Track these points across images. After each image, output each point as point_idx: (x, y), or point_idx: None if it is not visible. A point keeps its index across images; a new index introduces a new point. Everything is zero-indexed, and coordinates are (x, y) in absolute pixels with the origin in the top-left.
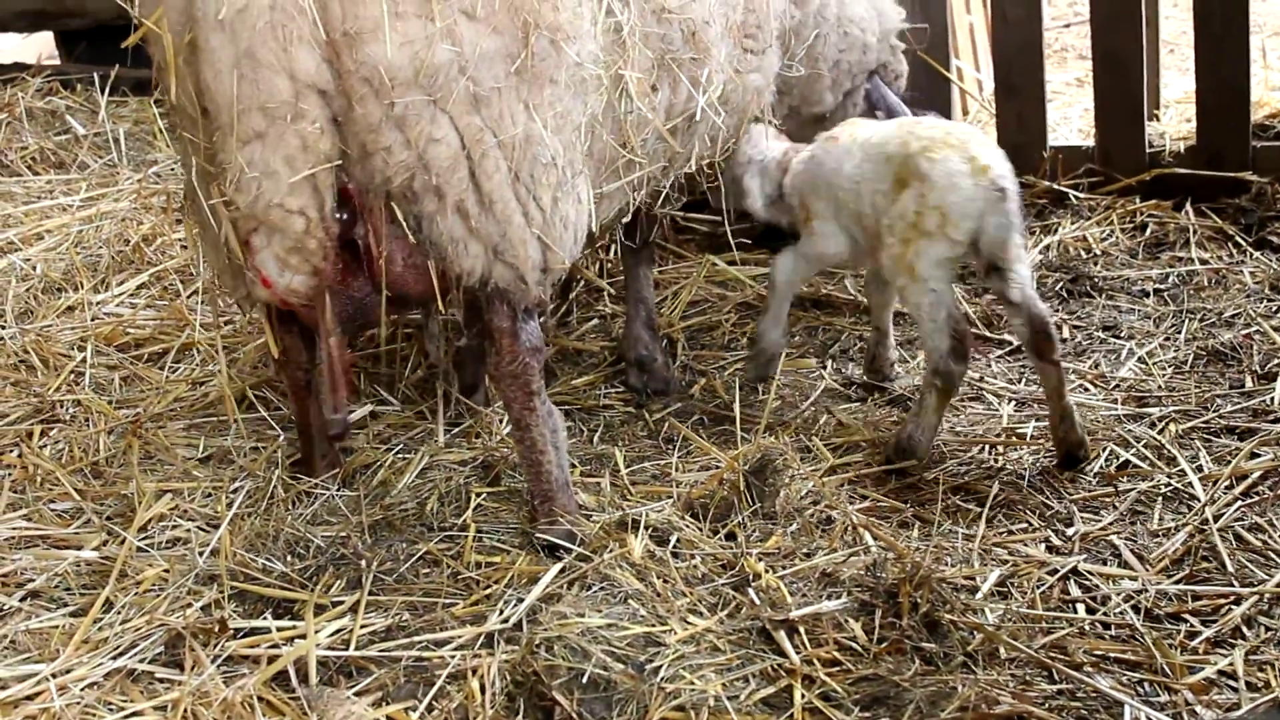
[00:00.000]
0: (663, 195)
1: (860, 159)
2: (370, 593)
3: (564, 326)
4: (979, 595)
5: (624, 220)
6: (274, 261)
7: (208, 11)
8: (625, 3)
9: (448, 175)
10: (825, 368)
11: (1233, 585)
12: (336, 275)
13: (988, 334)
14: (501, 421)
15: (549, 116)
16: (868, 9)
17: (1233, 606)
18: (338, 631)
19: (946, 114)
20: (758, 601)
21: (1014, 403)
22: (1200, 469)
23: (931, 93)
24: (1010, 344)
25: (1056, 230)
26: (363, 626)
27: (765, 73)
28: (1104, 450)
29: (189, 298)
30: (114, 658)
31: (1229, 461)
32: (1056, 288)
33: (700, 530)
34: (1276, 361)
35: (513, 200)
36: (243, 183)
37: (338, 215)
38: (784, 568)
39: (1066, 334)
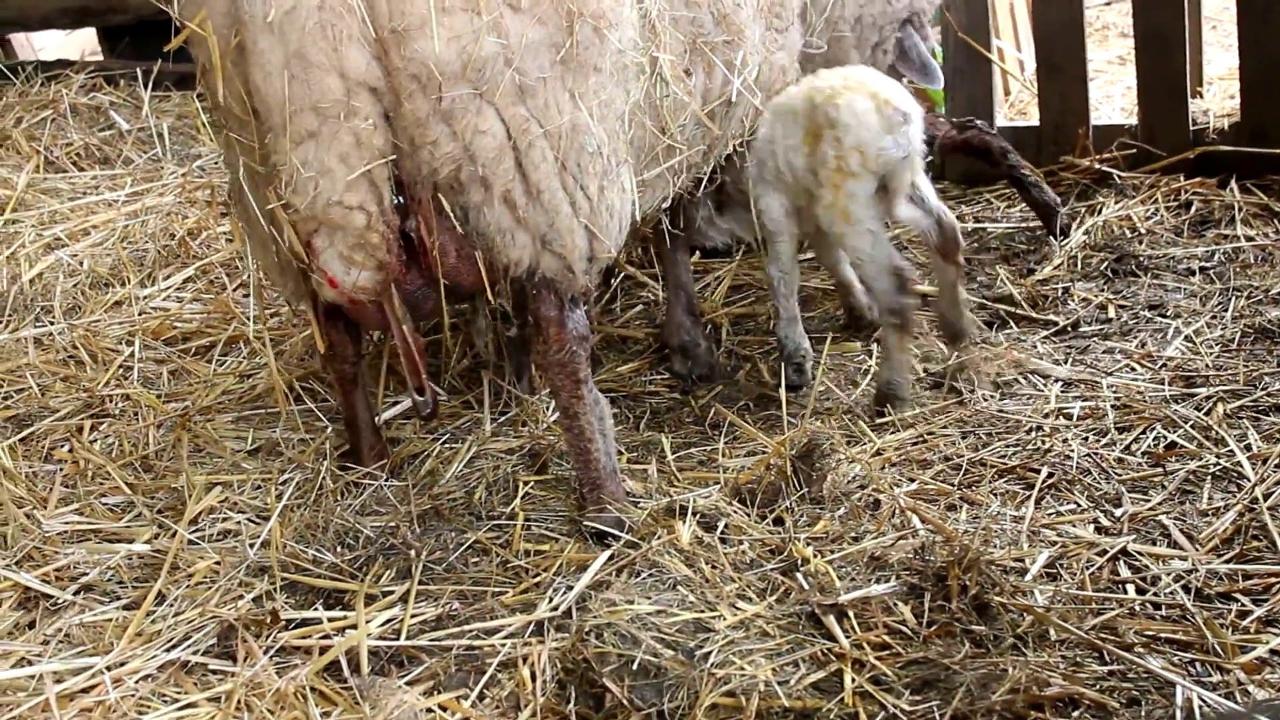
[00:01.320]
0: (704, 180)
1: (771, 122)
2: (420, 582)
3: (608, 314)
4: (1028, 577)
5: (665, 207)
6: (339, 260)
7: (255, 14)
8: None
9: (494, 166)
10: (871, 351)
11: None
12: (400, 268)
13: (1033, 314)
14: (548, 409)
15: (594, 105)
16: None
17: None
18: (388, 621)
19: (988, 95)
20: (806, 586)
21: (1060, 384)
22: (1249, 448)
23: (972, 73)
24: (1056, 324)
25: (1101, 210)
26: (413, 616)
27: (790, 50)
28: (1152, 430)
29: (235, 291)
30: (167, 650)
31: (1278, 440)
32: (1102, 267)
33: (748, 516)
34: None
35: (560, 190)
36: (299, 183)
37: (396, 206)
38: (832, 552)
39: (1112, 314)
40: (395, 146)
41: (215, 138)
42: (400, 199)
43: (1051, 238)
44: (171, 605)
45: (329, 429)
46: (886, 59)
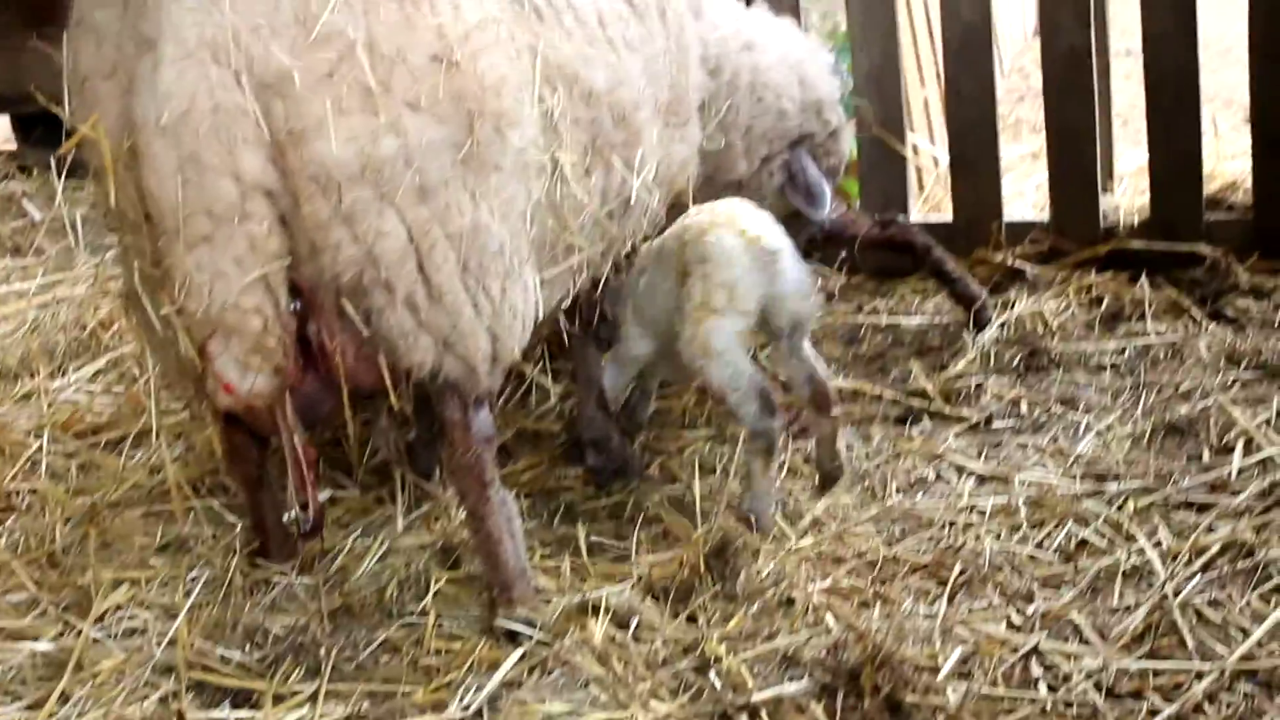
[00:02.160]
0: (603, 279)
1: (643, 266)
2: (330, 681)
3: (522, 407)
4: (941, 675)
5: (565, 306)
6: (235, 365)
7: (148, 117)
8: (554, 88)
9: (397, 269)
10: (785, 446)
11: (1193, 661)
12: (296, 372)
13: (946, 410)
14: (459, 506)
15: (495, 204)
16: (788, 76)
17: (1194, 683)
18: None
19: (902, 189)
20: (719, 685)
21: (973, 478)
22: (1159, 544)
23: (886, 168)
24: (969, 419)
25: (1013, 305)
26: (322, 716)
27: (689, 143)
28: (1063, 527)
29: (146, 383)
30: None
31: (1188, 536)
32: (1014, 362)
33: (662, 613)
34: (1233, 434)
35: (462, 291)
36: (193, 287)
37: (292, 309)
38: (746, 649)
39: (1025, 409)
40: (292, 250)
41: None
42: (297, 303)
43: (968, 331)
44: (75, 705)
45: (239, 526)
46: (774, 180)
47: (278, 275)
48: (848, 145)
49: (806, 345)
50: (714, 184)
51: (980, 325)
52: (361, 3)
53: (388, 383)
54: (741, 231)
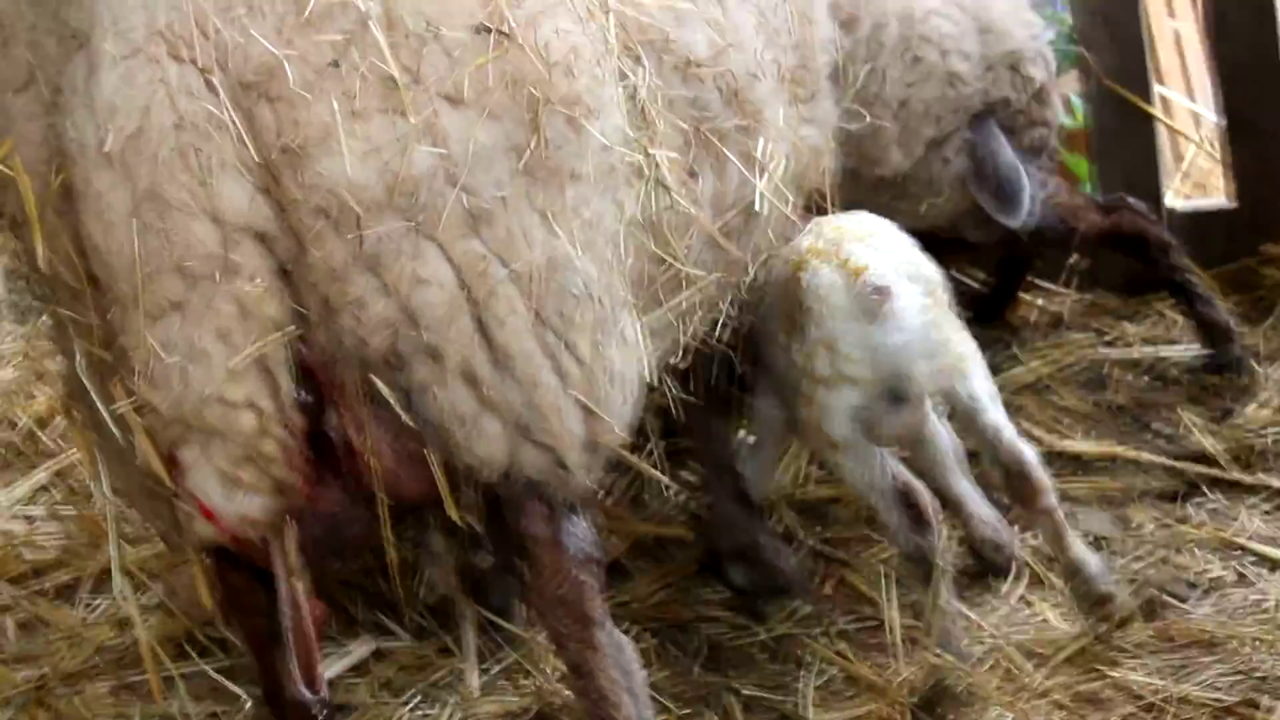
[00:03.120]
0: (720, 321)
1: (760, 296)
2: None
3: (637, 506)
4: None
5: (675, 362)
6: (217, 481)
7: (85, 142)
8: (636, 59)
9: (444, 328)
10: (1018, 532)
11: None
12: (307, 488)
13: (1239, 476)
14: (556, 655)
15: (575, 227)
16: (961, 21)
17: None
18: None
19: (1150, 164)
20: None
21: None
22: None
23: (1127, 135)
24: (1273, 487)
25: None
26: None
27: (821, 124)
28: None
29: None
30: None
31: None
32: None
33: None
34: None
35: (538, 353)
36: (158, 374)
37: (300, 399)
38: None
39: None
40: (297, 313)
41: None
42: (304, 389)
43: (1233, 371)
44: None
45: (247, 702)
46: (949, 169)
47: (278, 352)
48: (1059, 110)
49: (989, 414)
50: (861, 180)
51: (1226, 365)
52: None
53: (442, 489)
54: (843, 263)
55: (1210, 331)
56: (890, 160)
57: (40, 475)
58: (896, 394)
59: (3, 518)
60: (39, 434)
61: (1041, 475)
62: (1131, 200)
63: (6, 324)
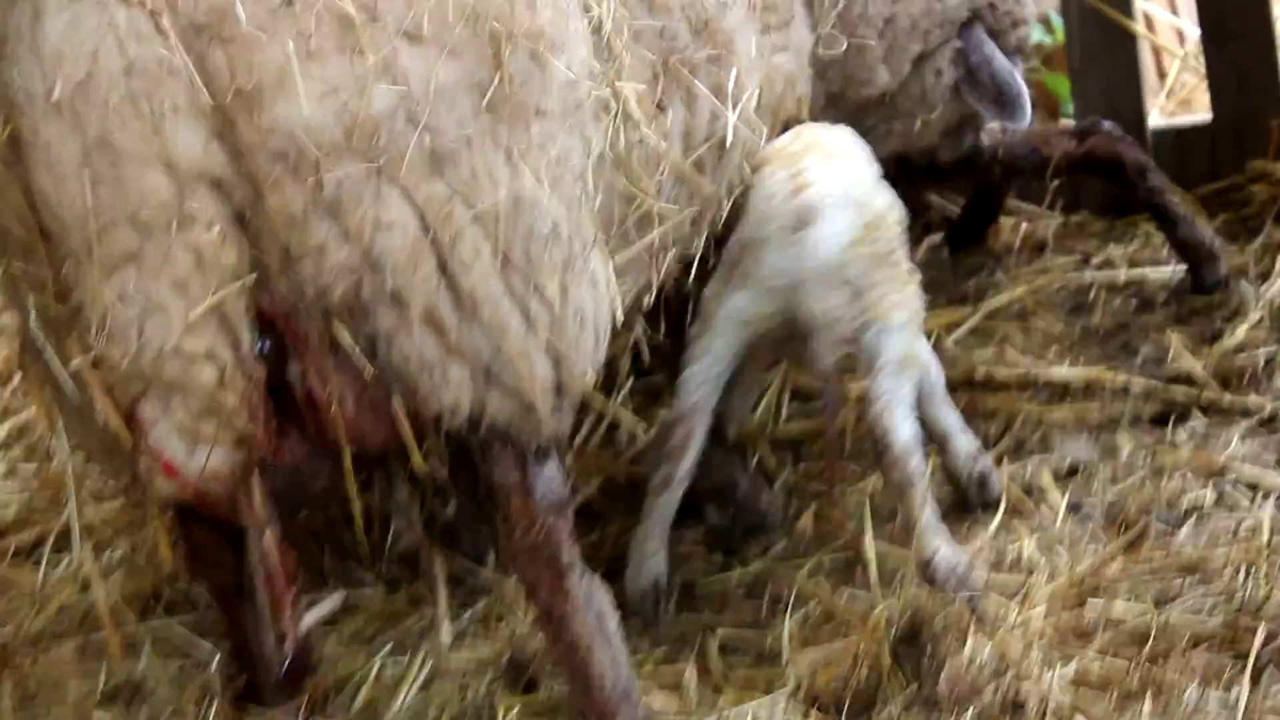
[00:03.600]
0: (696, 261)
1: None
2: None
3: (609, 445)
4: None
5: (645, 305)
6: (178, 436)
7: (32, 90)
8: None
9: (407, 274)
10: (998, 461)
11: None
12: (270, 440)
13: (1225, 398)
14: (529, 602)
15: (542, 166)
16: None
17: None
18: None
19: (1133, 81)
20: None
21: (1274, 499)
22: None
23: (1108, 52)
24: (1260, 411)
25: None
26: None
27: (796, 51)
28: None
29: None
30: None
31: None
32: None
33: None
34: None
35: (504, 297)
36: (116, 328)
37: (261, 350)
38: None
39: None
40: (257, 262)
41: None
42: (265, 340)
43: (1246, 281)
44: None
45: (215, 658)
46: (941, 81)
47: (237, 302)
48: (1034, 9)
49: (878, 379)
50: (848, 102)
51: (1205, 285)
52: None
53: (407, 438)
54: (795, 173)
55: (1193, 253)
56: (878, 80)
57: (0, 432)
58: (790, 315)
59: None
60: None
61: (897, 457)
62: (1106, 123)
63: None
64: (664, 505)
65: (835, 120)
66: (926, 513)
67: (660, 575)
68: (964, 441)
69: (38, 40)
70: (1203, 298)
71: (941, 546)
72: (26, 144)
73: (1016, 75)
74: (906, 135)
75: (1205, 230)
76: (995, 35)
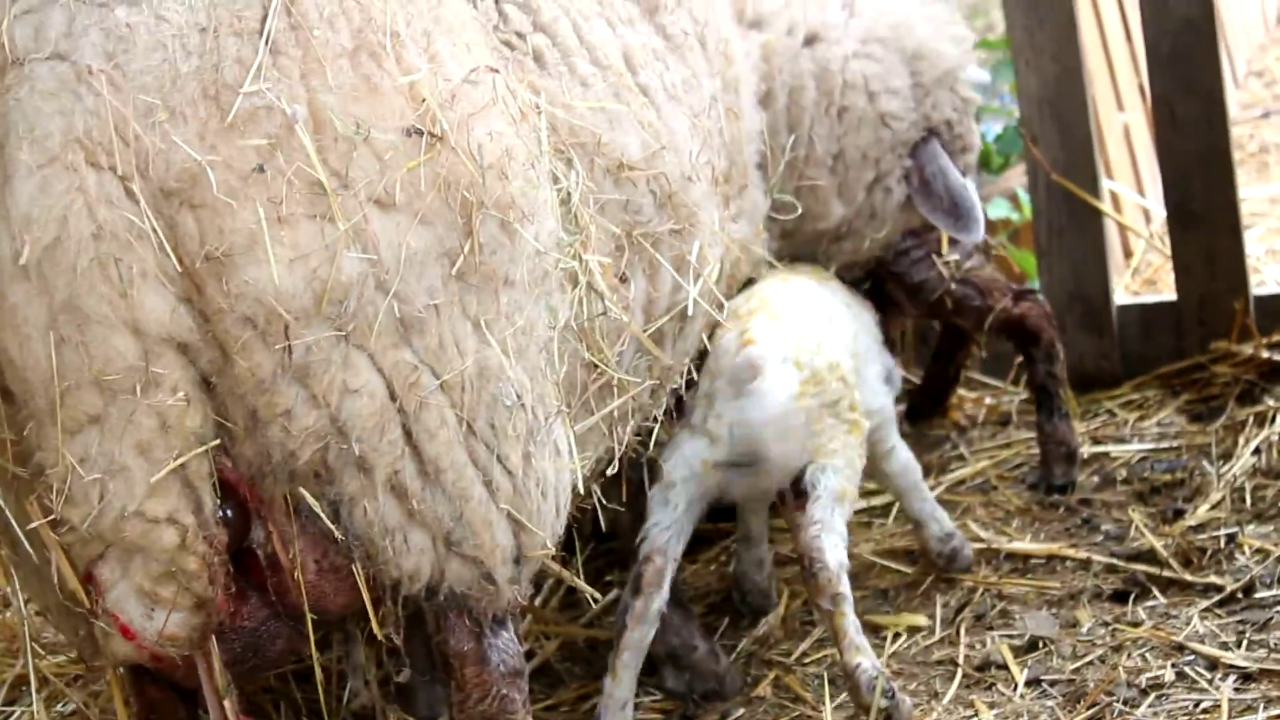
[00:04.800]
0: (655, 430)
1: None
2: None
3: (568, 606)
4: None
5: (605, 474)
6: (136, 599)
7: (1, 254)
8: (568, 161)
9: (374, 439)
10: (957, 633)
11: None
12: (228, 603)
13: (1186, 576)
14: None
15: (508, 335)
16: (884, 57)
17: None
18: None
19: (1099, 259)
20: None
21: (1234, 676)
22: None
23: (1075, 230)
24: (1221, 588)
25: (1274, 419)
26: None
27: (750, 216)
28: None
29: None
30: None
31: None
32: None
33: None
34: None
35: (468, 465)
36: (76, 490)
37: (221, 515)
38: None
39: None
40: (221, 426)
41: None
42: (226, 504)
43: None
44: None
45: None
46: (891, 199)
47: (200, 465)
48: (973, 131)
49: (815, 506)
50: (801, 235)
51: (1057, 487)
52: (298, 62)
53: (368, 604)
54: (742, 331)
55: (1056, 449)
56: (832, 213)
57: None
58: (746, 460)
59: None
60: None
61: (829, 578)
62: (1040, 298)
63: None
64: (637, 643)
65: (792, 250)
66: (850, 631)
67: None
68: (934, 529)
69: (7, 204)
70: (1163, 475)
71: (863, 661)
72: None
73: (971, 189)
74: (855, 252)
75: (1073, 435)
76: (950, 154)
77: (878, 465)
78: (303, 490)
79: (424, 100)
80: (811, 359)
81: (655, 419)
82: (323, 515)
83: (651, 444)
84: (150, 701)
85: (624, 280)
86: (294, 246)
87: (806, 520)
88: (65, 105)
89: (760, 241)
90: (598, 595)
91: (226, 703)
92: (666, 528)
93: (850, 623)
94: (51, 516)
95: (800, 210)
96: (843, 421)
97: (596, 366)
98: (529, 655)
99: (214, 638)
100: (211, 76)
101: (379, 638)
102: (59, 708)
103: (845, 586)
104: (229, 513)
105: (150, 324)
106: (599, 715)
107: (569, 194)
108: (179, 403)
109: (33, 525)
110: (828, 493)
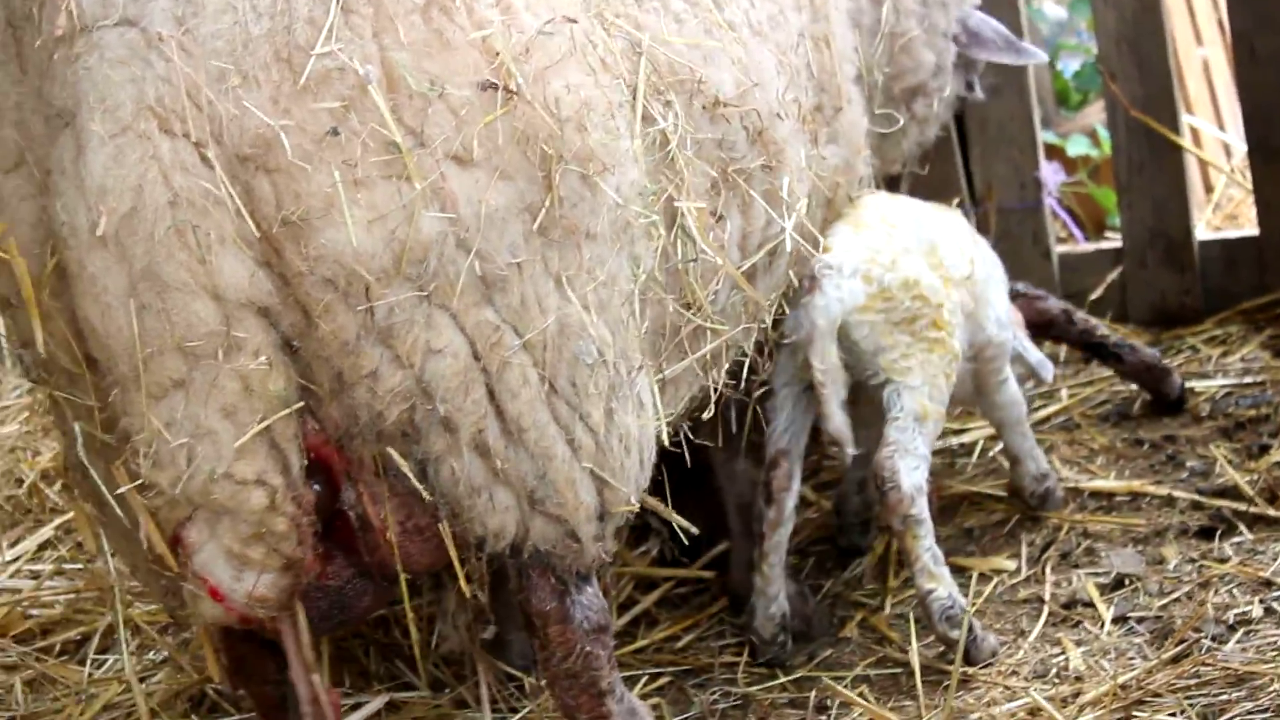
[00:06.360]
0: (746, 366)
1: None
2: None
3: (639, 546)
4: None
5: (699, 414)
6: (225, 561)
7: (78, 225)
8: (667, 104)
9: (458, 400)
10: (1043, 572)
11: None
12: (317, 563)
13: (1271, 511)
14: None
15: (589, 290)
16: None
17: None
18: None
19: (1180, 196)
20: None
21: None
22: None
23: (1156, 167)
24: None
25: None
26: None
27: (848, 138)
28: None
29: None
30: None
31: None
32: None
33: None
34: None
35: (551, 424)
36: (163, 454)
37: (308, 475)
38: None
39: None
40: (307, 390)
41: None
42: (312, 465)
43: (1181, 401)
44: None
45: None
46: (951, 51)
47: (286, 428)
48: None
49: (894, 426)
50: (890, 95)
51: (1173, 403)
52: (369, 20)
53: (455, 562)
54: (825, 240)
55: (1147, 376)
56: (924, 64)
57: (46, 531)
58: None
59: (8, 576)
60: (44, 489)
61: (899, 499)
62: (1020, 285)
63: (12, 379)
64: (778, 545)
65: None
66: (923, 555)
67: (785, 614)
68: (1030, 467)
69: (81, 174)
70: (1248, 410)
71: (937, 588)
72: (73, 275)
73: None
74: (925, 124)
75: (1145, 350)
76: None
77: (988, 395)
78: (390, 450)
79: (497, 54)
80: (884, 274)
81: (748, 356)
82: (410, 475)
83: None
84: (239, 655)
85: (718, 218)
86: (371, 207)
87: (883, 441)
88: (136, 73)
89: (862, 159)
90: (695, 530)
91: (315, 676)
92: (784, 430)
93: (924, 547)
94: (139, 481)
95: (896, 70)
96: (920, 340)
97: (689, 309)
98: (627, 605)
99: (300, 600)
100: (283, 39)
101: (466, 595)
102: (150, 655)
103: (921, 510)
104: (316, 475)
105: (230, 289)
106: (752, 607)
107: (666, 135)
108: (261, 366)
109: (121, 490)
110: (905, 413)
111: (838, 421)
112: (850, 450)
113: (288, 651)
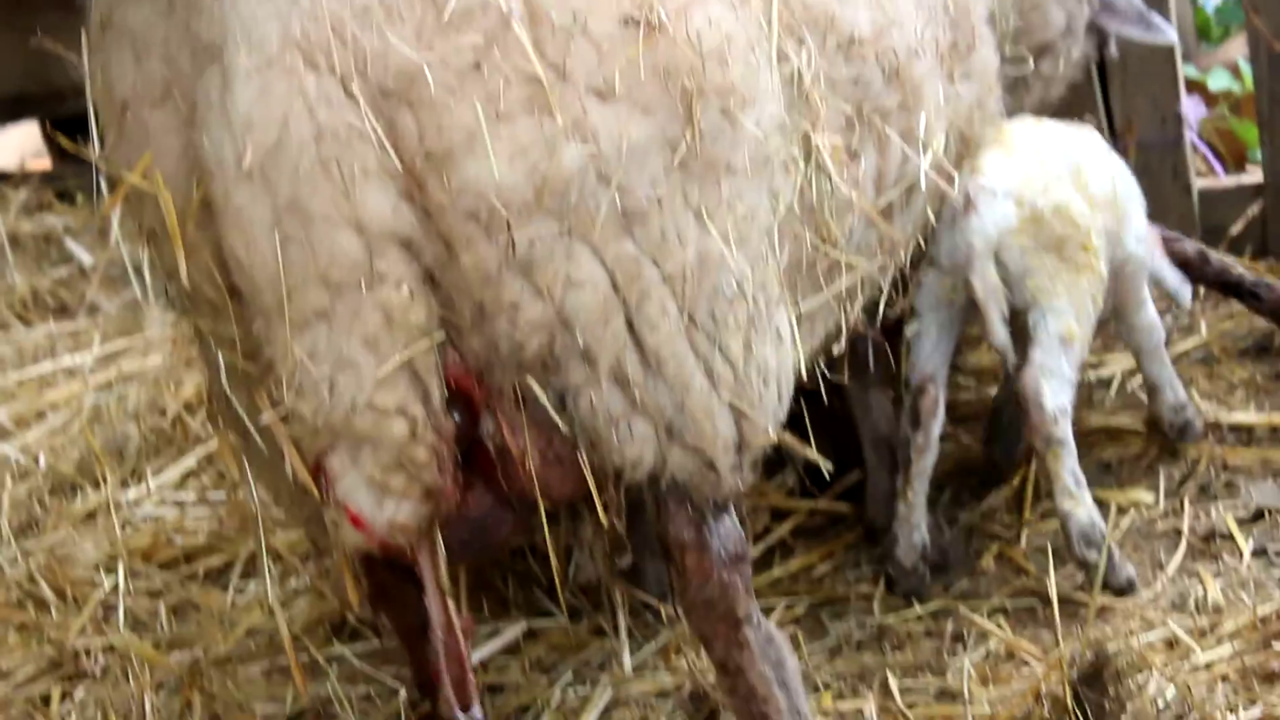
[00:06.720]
0: (882, 301)
1: None
2: None
3: (774, 477)
4: None
5: (835, 349)
6: (366, 489)
7: (224, 158)
8: (800, 40)
9: (597, 331)
10: (1182, 505)
11: None
12: (456, 494)
13: None
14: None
15: (729, 223)
16: None
17: None
18: None
19: None
20: None
21: None
22: None
23: None
24: None
25: None
26: None
27: (981, 76)
28: None
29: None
30: None
31: None
32: None
33: None
34: None
35: (689, 356)
36: (306, 384)
37: (450, 411)
38: None
39: None
40: (447, 321)
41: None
42: (452, 396)
43: None
44: None
45: (400, 690)
46: (1084, 11)
47: (427, 358)
48: None
49: (1037, 350)
50: (1019, 48)
51: None
52: None
53: (594, 492)
54: (975, 164)
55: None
56: (1054, 22)
57: (189, 460)
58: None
59: (153, 503)
60: (188, 419)
61: (1042, 419)
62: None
63: (155, 311)
64: (923, 472)
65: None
66: (1065, 476)
67: (925, 545)
68: (1169, 396)
69: (227, 108)
70: None
71: (1077, 510)
72: (218, 207)
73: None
74: (1050, 81)
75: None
76: None
77: (1126, 317)
78: (530, 380)
79: None
80: (1035, 198)
81: (884, 291)
82: (549, 405)
83: (879, 318)
84: (380, 583)
85: (854, 156)
86: (513, 141)
87: (1028, 363)
88: (281, 8)
89: (995, 98)
90: (830, 466)
91: (451, 604)
92: (929, 356)
93: (1066, 469)
94: (283, 411)
95: (1026, 27)
96: (1067, 263)
97: (825, 244)
98: (763, 534)
99: (439, 529)
100: None
101: (603, 524)
102: (291, 582)
103: (1064, 432)
104: (456, 406)
105: (373, 221)
106: (893, 536)
107: (799, 72)
108: (403, 298)
109: (263, 418)
110: (1050, 335)
111: (1002, 336)
112: (1012, 359)
113: (424, 579)
